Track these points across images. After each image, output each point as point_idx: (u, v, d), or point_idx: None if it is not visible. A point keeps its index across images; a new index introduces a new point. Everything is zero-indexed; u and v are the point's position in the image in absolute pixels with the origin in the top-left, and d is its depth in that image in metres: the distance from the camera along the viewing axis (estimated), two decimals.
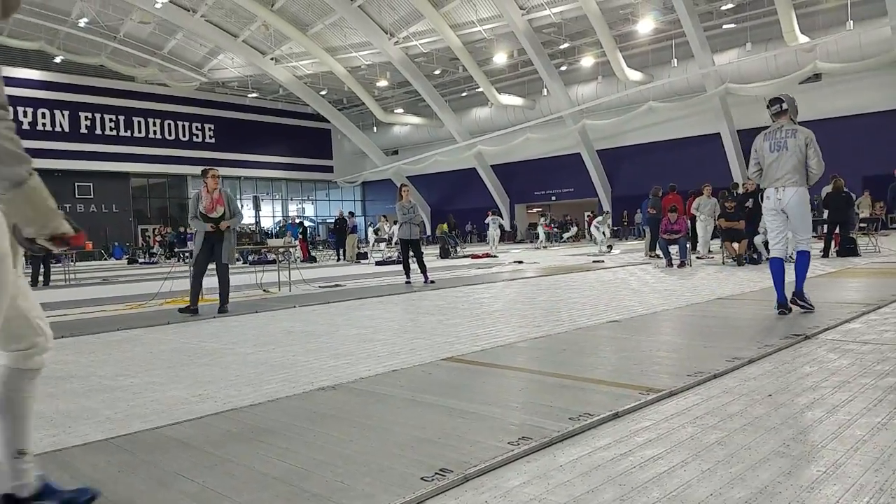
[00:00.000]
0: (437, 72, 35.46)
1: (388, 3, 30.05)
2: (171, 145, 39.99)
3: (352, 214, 24.94)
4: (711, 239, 14.95)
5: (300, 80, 37.57)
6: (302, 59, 35.36)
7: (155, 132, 39.57)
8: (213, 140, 41.55)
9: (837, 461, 2.31)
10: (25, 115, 34.17)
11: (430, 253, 21.26)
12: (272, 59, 35.59)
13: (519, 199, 40.59)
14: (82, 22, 31.99)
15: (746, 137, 28.87)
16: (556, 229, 32.56)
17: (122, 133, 38.21)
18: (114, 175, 37.32)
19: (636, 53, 31.53)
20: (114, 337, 6.28)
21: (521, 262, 16.38)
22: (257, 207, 30.06)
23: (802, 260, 5.80)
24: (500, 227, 27.36)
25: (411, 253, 11.04)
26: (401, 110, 40.18)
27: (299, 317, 7.32)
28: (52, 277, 14.97)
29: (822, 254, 12.68)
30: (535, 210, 40.44)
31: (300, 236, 24.00)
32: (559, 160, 36.32)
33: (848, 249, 12.90)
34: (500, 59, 32.28)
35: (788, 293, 5.76)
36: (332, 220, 29.24)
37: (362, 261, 21.36)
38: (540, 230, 28.38)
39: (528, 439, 2.63)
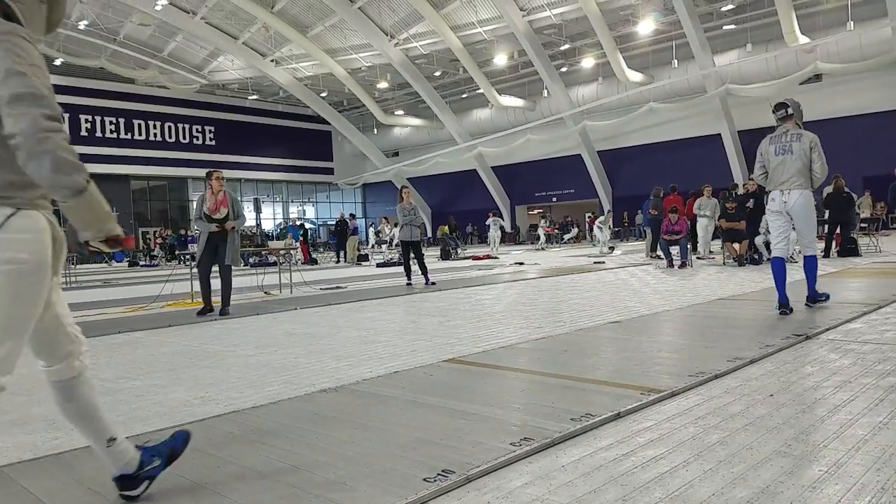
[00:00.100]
0: (437, 73, 35.47)
1: (388, 4, 30.06)
2: (171, 148, 40.00)
3: (353, 216, 24.94)
4: (712, 239, 14.95)
5: (300, 82, 37.59)
6: (302, 60, 35.38)
7: (155, 134, 39.58)
8: (213, 142, 41.56)
9: (839, 461, 2.31)
10: None
11: (431, 254, 21.26)
12: (272, 61, 35.61)
13: (520, 200, 40.58)
14: (82, 24, 32.00)
15: (747, 138, 29.05)
16: (556, 231, 32.57)
17: (122, 135, 38.22)
18: (114, 177, 37.27)
19: (637, 54, 31.53)
20: (115, 339, 6.28)
21: (521, 264, 16.38)
22: (258, 209, 30.09)
23: (810, 264, 5.94)
24: (501, 228, 27.37)
25: (412, 255, 11.04)
26: (401, 112, 40.19)
27: (301, 319, 7.32)
28: None
29: (822, 254, 12.67)
30: (535, 211, 40.44)
31: (301, 238, 24.00)
32: (560, 161, 36.32)
33: (849, 249, 12.90)
34: (501, 60, 32.27)
35: (790, 293, 5.78)
36: (333, 222, 29.24)
37: (363, 263, 21.36)
38: (540, 231, 28.37)
39: (530, 440, 2.63)
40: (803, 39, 25.54)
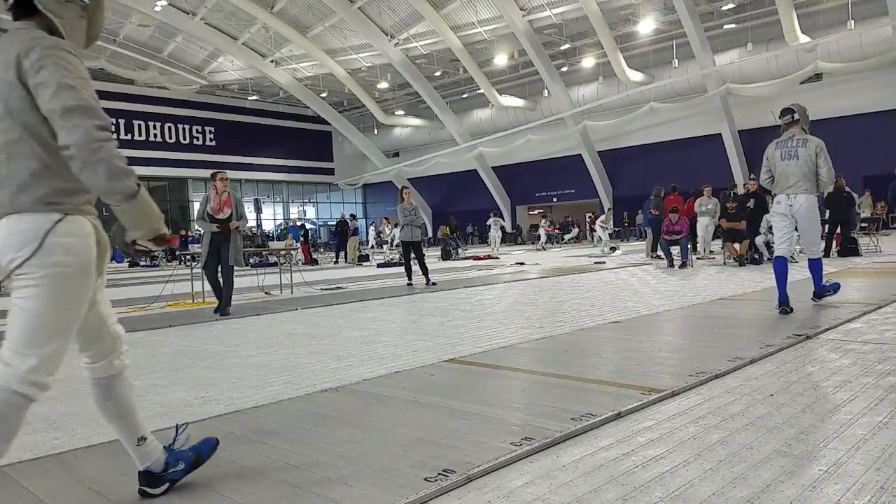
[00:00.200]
0: (437, 73, 35.45)
1: (388, 4, 30.04)
2: (171, 148, 39.99)
3: (353, 217, 24.93)
4: (713, 239, 14.94)
5: (300, 83, 37.58)
6: (302, 61, 35.37)
7: (155, 135, 39.57)
8: (213, 143, 41.54)
9: (839, 460, 2.32)
10: None
11: (432, 255, 21.26)
12: (272, 61, 35.60)
13: (520, 200, 40.56)
14: None
15: (747, 138, 29.05)
16: (557, 231, 32.56)
17: (122, 136, 38.17)
18: None
19: (637, 54, 31.50)
20: None
21: (522, 264, 16.38)
22: (258, 210, 30.06)
23: (815, 265, 6.11)
24: (502, 228, 27.36)
25: (413, 255, 11.05)
26: (401, 112, 40.17)
27: (301, 319, 7.33)
28: None
29: (823, 254, 12.65)
30: (536, 211, 40.42)
31: (301, 239, 24.01)
32: (560, 161, 36.30)
33: (849, 249, 12.90)
34: (501, 60, 32.25)
35: (790, 292, 5.83)
36: (334, 223, 29.21)
37: (364, 263, 21.37)
38: (541, 231, 28.39)
39: (531, 440, 2.64)
40: (804, 38, 25.52)
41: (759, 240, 12.11)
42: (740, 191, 14.54)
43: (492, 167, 39.33)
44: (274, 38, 33.25)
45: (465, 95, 38.30)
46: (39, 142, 1.93)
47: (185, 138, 40.75)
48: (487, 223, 26.09)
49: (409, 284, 10.86)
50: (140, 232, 2.02)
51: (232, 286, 8.06)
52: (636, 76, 30.13)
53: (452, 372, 4.10)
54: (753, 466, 2.29)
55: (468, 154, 37.65)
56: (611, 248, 20.39)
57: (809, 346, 4.37)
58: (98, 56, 34.35)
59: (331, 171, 47.31)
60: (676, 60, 29.68)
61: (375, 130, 42.40)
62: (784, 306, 5.71)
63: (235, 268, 8.12)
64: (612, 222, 22.88)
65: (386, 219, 27.23)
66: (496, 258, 20.38)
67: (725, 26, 28.76)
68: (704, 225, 14.45)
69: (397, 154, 44.40)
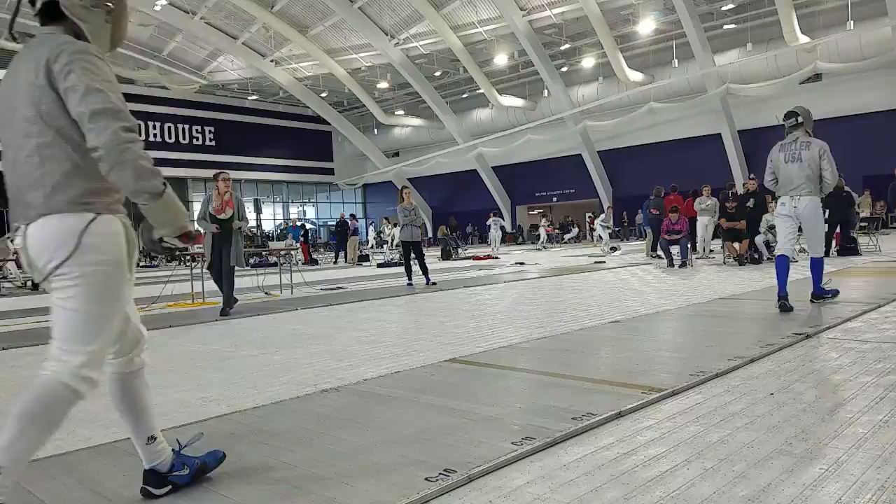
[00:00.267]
0: (437, 73, 35.43)
1: (388, 4, 30.04)
2: (171, 148, 39.95)
3: (353, 217, 24.93)
4: (713, 239, 14.94)
5: (300, 83, 37.57)
6: (302, 61, 35.36)
7: (155, 135, 39.55)
8: (213, 143, 41.52)
9: (839, 459, 2.32)
10: None
11: (432, 255, 21.26)
12: (272, 61, 35.58)
13: (520, 200, 40.55)
14: None
15: (747, 138, 29.04)
16: (557, 231, 32.54)
17: None
18: None
19: (637, 54, 31.50)
20: None
21: (522, 264, 16.38)
22: (258, 210, 30.06)
23: (816, 265, 6.12)
24: (502, 228, 27.36)
25: (413, 255, 11.05)
26: (401, 112, 40.16)
27: (302, 319, 7.33)
28: None
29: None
30: (536, 211, 40.42)
31: (301, 239, 24.00)
32: (560, 161, 36.29)
33: (849, 249, 12.90)
34: (501, 60, 32.23)
35: (790, 291, 5.86)
36: (334, 223, 29.18)
37: (364, 263, 21.37)
38: (541, 231, 28.38)
39: (532, 439, 2.64)
40: (803, 39, 25.51)
41: (759, 239, 12.11)
42: (739, 190, 14.53)
43: (492, 167, 39.32)
44: (274, 38, 33.24)
45: (465, 95, 38.29)
46: (71, 144, 1.99)
47: (184, 138, 40.72)
48: (487, 223, 26.10)
49: (409, 284, 10.87)
50: (167, 230, 2.07)
51: (233, 286, 8.06)
52: (636, 76, 30.12)
53: (453, 372, 4.11)
54: (754, 465, 2.30)
55: (468, 154, 37.64)
56: (611, 248, 20.38)
57: (809, 345, 4.37)
58: None
59: (331, 171, 47.29)
60: (676, 60, 29.67)
61: (375, 130, 42.39)
62: (783, 300, 5.80)
63: (236, 268, 8.13)
64: (612, 220, 22.88)
65: (386, 219, 27.21)
66: (496, 258, 20.38)
67: (725, 26, 28.75)
68: (704, 224, 14.45)
69: (397, 154, 44.38)
